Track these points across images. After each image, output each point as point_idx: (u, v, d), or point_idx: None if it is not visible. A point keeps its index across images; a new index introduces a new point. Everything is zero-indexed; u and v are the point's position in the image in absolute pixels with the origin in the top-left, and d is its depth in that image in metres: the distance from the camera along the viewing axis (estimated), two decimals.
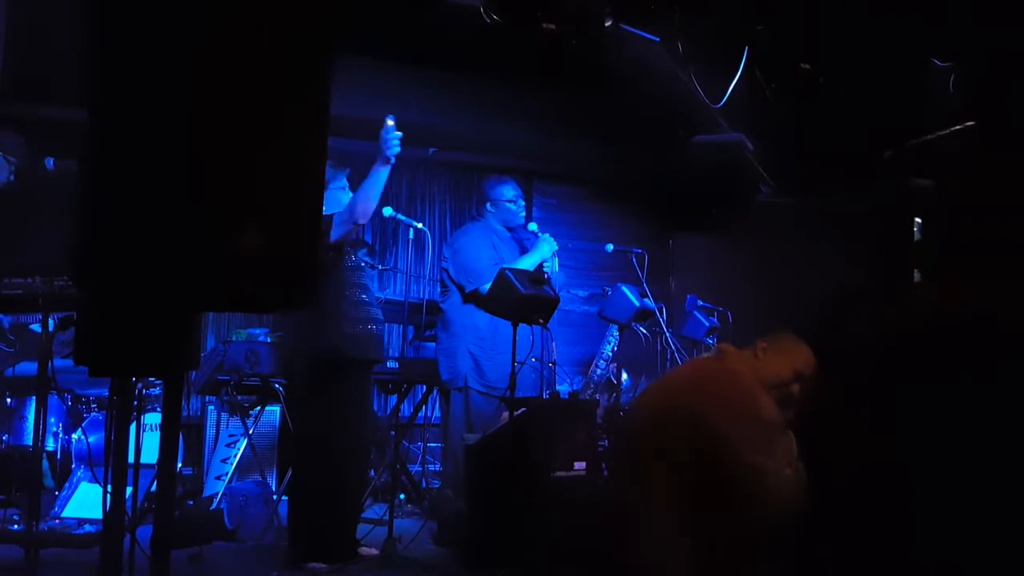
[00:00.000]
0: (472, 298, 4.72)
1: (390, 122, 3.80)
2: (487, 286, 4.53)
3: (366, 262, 4.44)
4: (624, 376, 5.69)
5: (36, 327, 4.78)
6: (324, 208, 4.03)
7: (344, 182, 4.22)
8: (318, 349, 3.92)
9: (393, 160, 3.85)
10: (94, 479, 4.32)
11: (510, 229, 5.02)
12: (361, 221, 3.98)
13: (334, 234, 3.96)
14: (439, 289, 5.01)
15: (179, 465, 5.17)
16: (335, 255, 4.02)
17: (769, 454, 2.43)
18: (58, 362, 3.75)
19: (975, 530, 1.41)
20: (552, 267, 4.86)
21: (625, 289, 5.08)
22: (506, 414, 4.03)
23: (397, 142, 3.81)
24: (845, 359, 1.59)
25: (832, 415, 1.55)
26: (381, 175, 3.87)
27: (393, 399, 5.50)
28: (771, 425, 2.50)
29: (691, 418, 2.51)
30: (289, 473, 4.69)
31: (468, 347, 4.72)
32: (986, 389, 1.43)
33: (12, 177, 4.25)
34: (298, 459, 4.13)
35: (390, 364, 4.91)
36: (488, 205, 4.98)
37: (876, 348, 1.55)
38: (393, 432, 5.32)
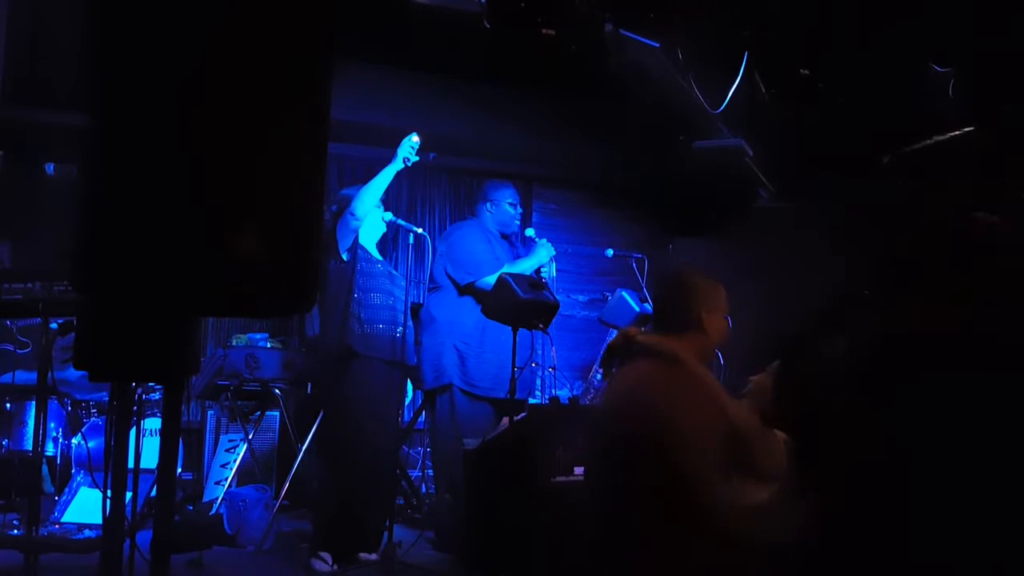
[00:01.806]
0: (468, 291, 4.69)
1: (414, 136, 4.18)
2: (484, 279, 4.52)
3: (391, 270, 4.50)
4: None
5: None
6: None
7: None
8: (332, 350, 4.15)
9: (400, 163, 4.14)
10: (94, 484, 4.32)
11: (504, 236, 4.99)
12: (357, 215, 4.15)
13: (339, 235, 4.16)
14: (428, 287, 4.97)
15: (179, 470, 5.16)
16: (350, 257, 4.21)
17: (734, 471, 2.18)
18: (57, 367, 3.75)
19: (969, 538, 1.41)
20: (550, 272, 4.85)
21: (625, 294, 5.08)
22: (506, 419, 4.03)
23: (413, 150, 4.14)
24: (842, 363, 1.59)
25: (829, 421, 1.55)
26: (385, 174, 4.16)
27: None
28: (742, 431, 2.23)
29: (649, 439, 2.26)
30: (289, 478, 4.71)
31: (454, 344, 4.65)
32: (981, 401, 1.43)
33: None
34: (321, 455, 4.34)
35: None
36: (487, 204, 4.95)
37: (874, 352, 1.55)
38: None
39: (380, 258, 4.44)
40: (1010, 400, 1.40)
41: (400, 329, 4.29)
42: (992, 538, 1.38)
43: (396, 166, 4.15)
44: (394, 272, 4.52)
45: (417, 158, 4.18)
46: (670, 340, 2.44)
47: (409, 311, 4.40)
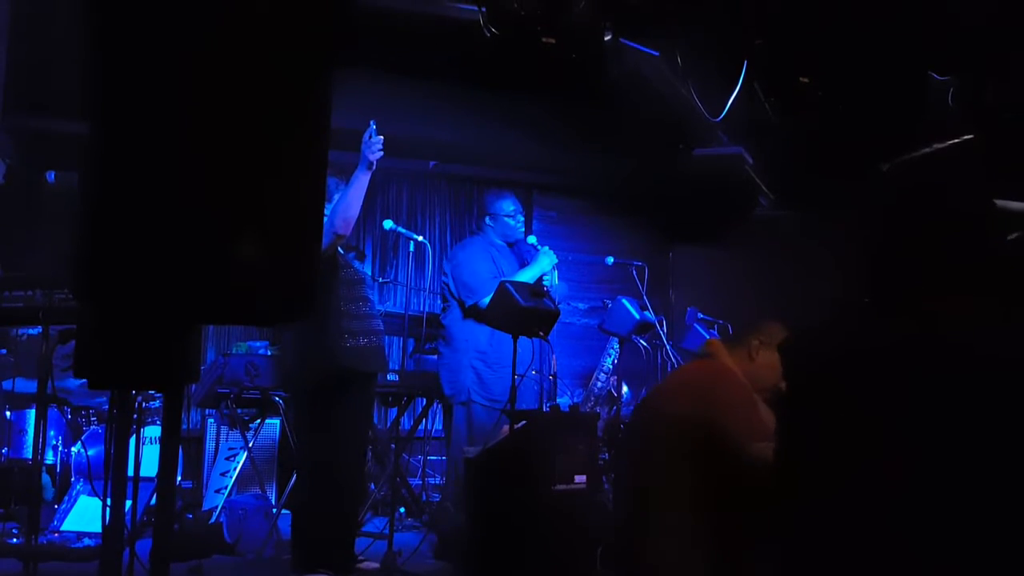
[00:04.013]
0: (472, 312, 4.72)
1: (372, 126, 3.74)
2: (486, 300, 4.52)
3: (366, 274, 4.37)
4: (625, 389, 5.68)
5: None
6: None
7: None
8: (318, 363, 3.89)
9: (375, 165, 3.77)
10: (93, 492, 4.32)
11: (510, 244, 5.02)
12: (342, 231, 3.81)
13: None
14: (440, 303, 5.01)
15: (179, 478, 5.16)
16: (329, 267, 3.92)
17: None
18: (58, 375, 3.75)
19: (969, 534, 1.41)
20: (552, 280, 4.86)
21: (625, 302, 5.08)
22: (506, 427, 4.03)
23: (379, 147, 3.74)
24: (843, 368, 1.59)
25: (829, 422, 1.55)
26: (362, 182, 3.79)
27: (393, 412, 5.50)
28: (767, 424, 2.51)
29: (694, 417, 2.54)
30: (290, 486, 4.68)
31: (471, 362, 4.71)
32: (981, 399, 1.43)
33: (2, 179, 4.25)
34: (300, 471, 4.13)
35: (390, 377, 4.89)
36: (487, 219, 4.99)
37: (873, 358, 1.55)
38: (393, 445, 5.32)
39: (351, 261, 4.21)
40: (1007, 404, 1.41)
41: (383, 337, 4.17)
42: (987, 539, 1.39)
43: (367, 171, 3.77)
44: (365, 274, 4.39)
45: (381, 154, 3.77)
46: (720, 346, 2.82)
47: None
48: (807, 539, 1.50)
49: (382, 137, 3.73)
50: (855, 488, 1.43)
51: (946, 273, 1.52)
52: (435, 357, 5.08)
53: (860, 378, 1.49)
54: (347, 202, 3.78)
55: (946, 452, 1.37)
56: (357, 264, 4.25)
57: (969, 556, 1.34)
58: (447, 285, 4.85)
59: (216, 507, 4.75)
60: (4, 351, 5.01)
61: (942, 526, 1.35)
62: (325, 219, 3.78)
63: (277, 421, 5.35)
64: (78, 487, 4.50)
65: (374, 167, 3.77)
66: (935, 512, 1.35)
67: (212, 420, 5.57)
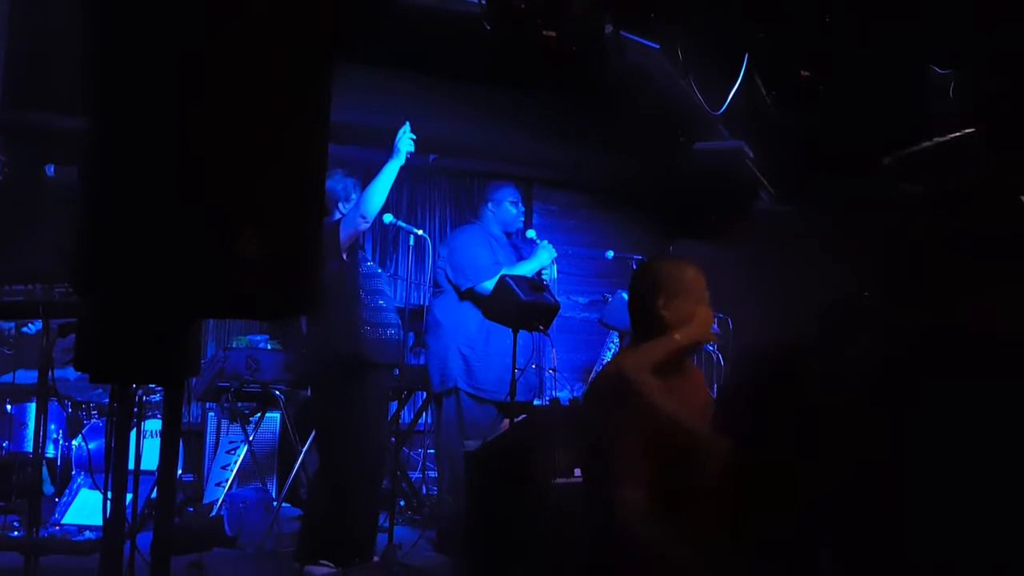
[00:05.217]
0: (468, 296, 4.69)
1: (407, 125, 4.06)
2: (484, 284, 4.51)
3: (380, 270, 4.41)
4: None
5: (28, 329, 4.82)
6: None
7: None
8: (338, 354, 3.98)
9: (404, 157, 4.02)
10: (94, 486, 4.32)
11: (508, 235, 4.99)
12: (368, 216, 4.00)
13: (343, 235, 4.00)
14: (432, 290, 4.97)
15: (179, 472, 5.16)
16: (350, 258, 4.06)
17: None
18: (58, 369, 3.75)
19: (972, 539, 1.41)
20: (551, 274, 4.85)
21: (625, 296, 5.07)
22: (506, 421, 4.03)
23: (411, 142, 4.02)
24: (845, 369, 1.59)
25: (832, 423, 1.55)
26: (390, 171, 4.00)
27: (393, 406, 5.50)
28: (650, 464, 2.19)
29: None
30: (290, 479, 4.70)
31: (459, 348, 4.65)
32: (984, 402, 1.43)
33: (1, 177, 4.25)
34: (321, 462, 4.16)
35: None
36: (489, 205, 4.95)
37: (876, 358, 1.55)
38: (393, 439, 5.32)
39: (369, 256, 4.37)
40: (1010, 400, 1.41)
41: (400, 330, 4.24)
42: (999, 542, 1.39)
43: (400, 161, 4.02)
44: (380, 269, 4.45)
45: (412, 148, 4.07)
46: (624, 353, 2.52)
47: (407, 312, 4.39)
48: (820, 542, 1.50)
49: (415, 136, 4.05)
50: (862, 489, 1.42)
51: (967, 271, 1.51)
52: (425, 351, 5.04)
53: (870, 377, 1.49)
54: (371, 190, 3.98)
55: (962, 452, 1.36)
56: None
57: (984, 562, 1.34)
58: (443, 270, 4.82)
59: (217, 500, 4.76)
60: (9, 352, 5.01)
61: (959, 529, 1.35)
62: (352, 208, 4.04)
63: (277, 415, 5.36)
64: (79, 480, 4.51)
65: (403, 159, 4.02)
66: (951, 515, 1.35)
67: (212, 414, 5.58)
